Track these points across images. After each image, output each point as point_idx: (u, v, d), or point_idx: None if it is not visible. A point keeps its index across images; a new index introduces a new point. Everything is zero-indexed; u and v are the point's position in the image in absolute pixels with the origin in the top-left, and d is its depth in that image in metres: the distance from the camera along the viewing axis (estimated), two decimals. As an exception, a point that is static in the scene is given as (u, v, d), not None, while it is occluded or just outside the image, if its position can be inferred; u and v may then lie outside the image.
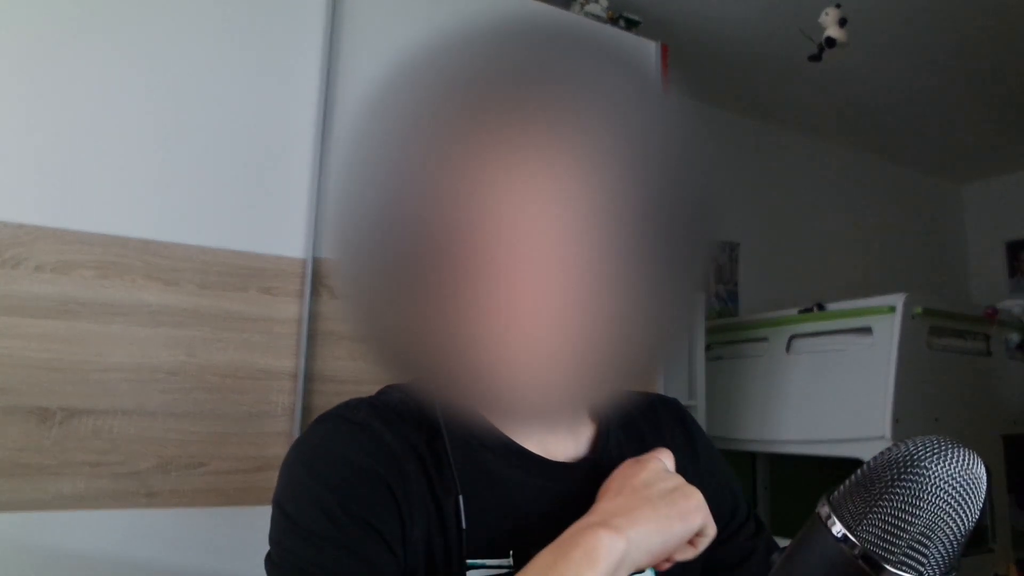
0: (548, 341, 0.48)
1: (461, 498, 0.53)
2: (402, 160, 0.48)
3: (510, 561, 0.53)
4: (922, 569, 0.42)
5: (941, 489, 0.42)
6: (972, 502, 0.42)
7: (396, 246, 0.47)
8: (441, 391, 0.55)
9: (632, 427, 0.65)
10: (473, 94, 0.48)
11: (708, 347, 2.45)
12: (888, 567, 0.42)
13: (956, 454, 0.43)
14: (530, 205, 0.46)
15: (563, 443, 0.60)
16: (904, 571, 0.42)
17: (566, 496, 0.56)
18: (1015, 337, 2.37)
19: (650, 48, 2.04)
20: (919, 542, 0.42)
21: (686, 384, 2.28)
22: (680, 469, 0.58)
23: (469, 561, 0.53)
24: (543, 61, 0.49)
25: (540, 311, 0.47)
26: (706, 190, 0.51)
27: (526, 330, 0.47)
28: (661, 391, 1.90)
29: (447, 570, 0.53)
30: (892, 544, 0.42)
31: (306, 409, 1.42)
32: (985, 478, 0.44)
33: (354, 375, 1.48)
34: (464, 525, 0.53)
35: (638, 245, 0.48)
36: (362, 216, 0.49)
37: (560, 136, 0.47)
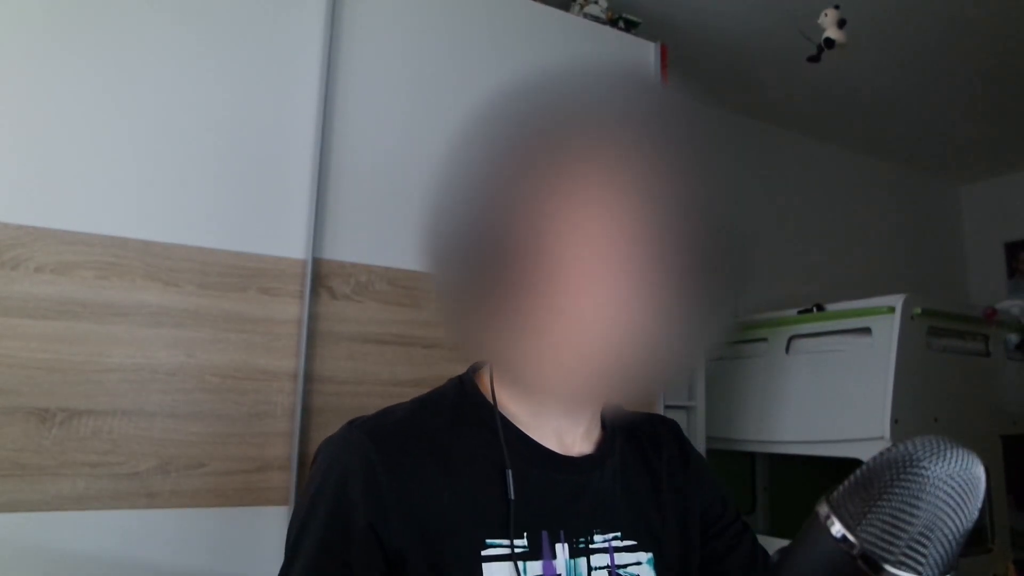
0: (595, 343, 0.55)
1: (509, 472, 0.62)
2: (487, 189, 0.57)
3: (524, 541, 0.62)
4: (920, 569, 0.42)
5: (940, 489, 0.42)
6: (971, 502, 0.43)
7: (481, 258, 0.57)
8: (505, 375, 0.67)
9: (634, 438, 0.75)
10: (547, 134, 0.56)
11: (708, 348, 2.45)
12: (887, 566, 0.42)
13: (955, 454, 0.43)
14: (589, 231, 0.54)
15: (579, 444, 0.69)
16: (903, 570, 0.42)
17: (574, 485, 0.66)
18: (1014, 337, 2.37)
19: (650, 49, 2.04)
20: (918, 542, 0.42)
21: (686, 384, 2.28)
22: (672, 476, 0.74)
23: (488, 540, 0.60)
24: (607, 104, 0.58)
25: (592, 318, 0.55)
26: (742, 221, 0.61)
27: (578, 332, 0.55)
28: (662, 392, 1.91)
29: (471, 544, 0.60)
30: (891, 544, 0.42)
31: (306, 410, 1.42)
32: (984, 478, 0.44)
33: (354, 376, 1.48)
34: (512, 496, 0.61)
35: (678, 267, 0.55)
36: (452, 232, 0.60)
37: (621, 172, 0.55)
